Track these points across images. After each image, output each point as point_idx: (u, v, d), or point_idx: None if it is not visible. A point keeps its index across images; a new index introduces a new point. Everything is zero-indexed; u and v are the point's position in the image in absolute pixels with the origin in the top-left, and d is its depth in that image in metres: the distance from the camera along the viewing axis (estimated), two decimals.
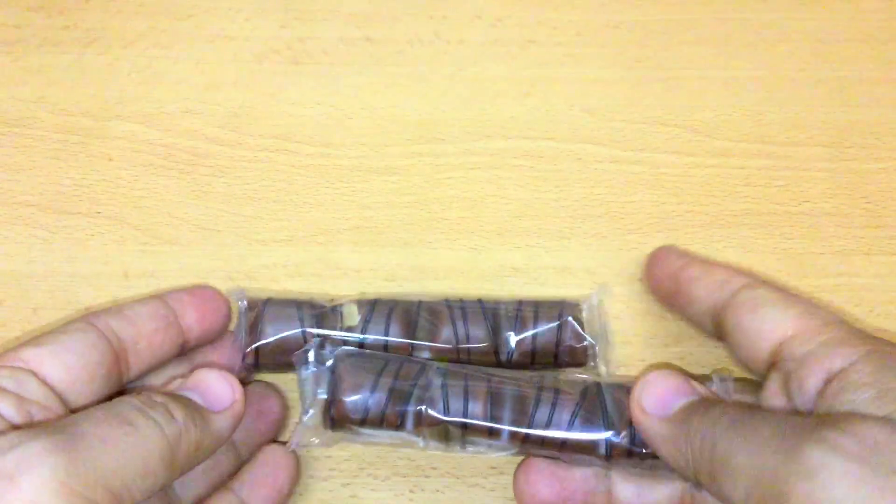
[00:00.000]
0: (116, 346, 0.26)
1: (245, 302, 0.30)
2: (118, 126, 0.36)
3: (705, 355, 0.32)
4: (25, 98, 0.37)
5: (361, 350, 0.29)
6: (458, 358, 0.30)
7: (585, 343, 0.30)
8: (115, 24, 0.39)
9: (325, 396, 0.28)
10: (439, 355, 0.30)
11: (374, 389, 0.27)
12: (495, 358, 0.30)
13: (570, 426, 0.27)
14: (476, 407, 0.27)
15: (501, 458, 0.30)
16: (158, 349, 0.28)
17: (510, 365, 0.30)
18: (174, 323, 0.28)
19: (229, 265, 0.33)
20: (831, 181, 0.36)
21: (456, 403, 0.27)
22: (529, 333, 0.30)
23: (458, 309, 0.30)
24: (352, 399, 0.27)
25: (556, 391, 0.28)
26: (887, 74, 0.38)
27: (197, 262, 0.33)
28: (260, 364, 0.30)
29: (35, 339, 0.25)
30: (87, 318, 0.26)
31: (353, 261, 0.34)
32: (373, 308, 0.30)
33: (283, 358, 0.29)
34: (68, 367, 0.24)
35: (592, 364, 0.31)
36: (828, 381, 0.24)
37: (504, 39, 0.39)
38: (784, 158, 0.36)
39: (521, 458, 0.29)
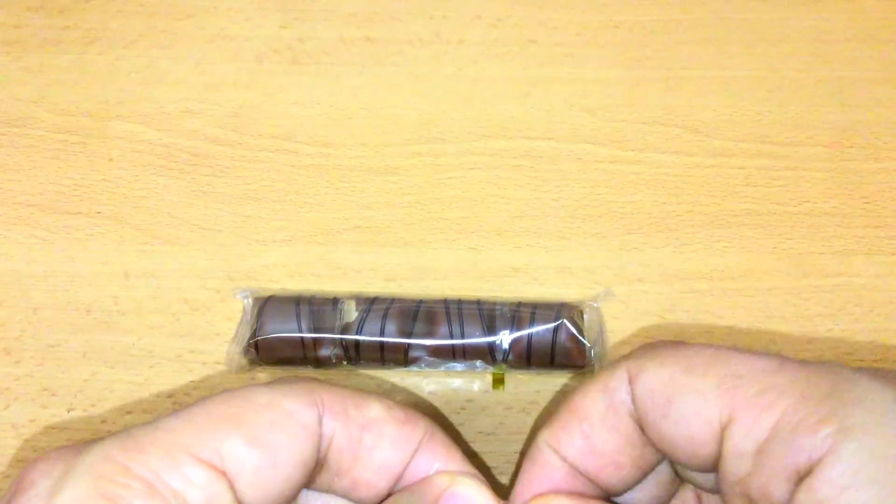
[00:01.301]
0: (322, 458, 0.21)
1: (250, 300, 0.31)
2: (118, 126, 0.36)
3: None
4: (25, 98, 0.37)
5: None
6: (454, 357, 0.30)
7: (582, 346, 0.30)
8: (115, 24, 0.39)
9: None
10: (435, 353, 0.30)
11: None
12: (490, 357, 0.30)
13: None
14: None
15: None
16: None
17: (507, 365, 0.30)
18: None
19: (229, 265, 0.33)
20: (831, 181, 0.36)
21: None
22: (524, 333, 0.30)
23: (456, 309, 0.31)
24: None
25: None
26: (887, 74, 0.38)
27: (197, 262, 0.33)
28: (259, 359, 0.30)
29: (242, 424, 0.19)
30: (318, 406, 0.21)
31: (353, 261, 0.34)
32: (370, 306, 0.30)
33: (282, 353, 0.30)
34: (265, 488, 0.19)
35: (589, 367, 0.31)
36: (797, 483, 0.17)
37: (504, 39, 0.39)
38: (784, 158, 0.36)
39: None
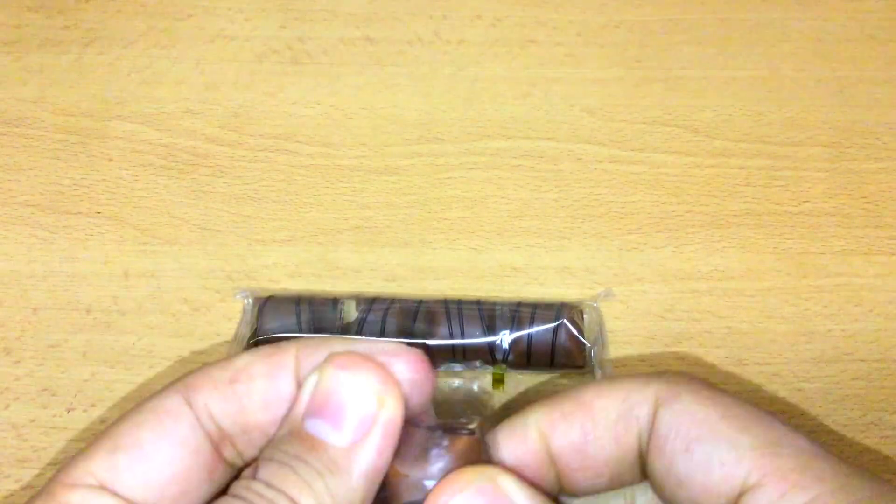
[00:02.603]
0: (217, 436, 0.20)
1: (250, 300, 0.31)
2: (118, 126, 0.36)
3: (705, 356, 0.32)
4: (25, 98, 0.37)
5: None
6: (454, 357, 0.30)
7: (582, 346, 0.30)
8: (115, 24, 0.39)
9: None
10: (435, 354, 0.30)
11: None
12: (490, 357, 0.30)
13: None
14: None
15: None
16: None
17: (506, 365, 0.30)
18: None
19: (229, 265, 0.33)
20: (831, 181, 0.36)
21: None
22: (524, 333, 0.30)
23: (456, 309, 0.31)
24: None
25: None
26: (887, 74, 0.38)
27: (197, 262, 0.33)
28: None
29: (108, 437, 0.20)
30: (183, 392, 0.20)
31: (353, 261, 0.34)
32: (370, 306, 0.30)
33: None
34: (152, 483, 0.19)
35: (589, 367, 0.31)
36: None
37: (504, 39, 0.39)
38: (784, 158, 0.36)
39: None
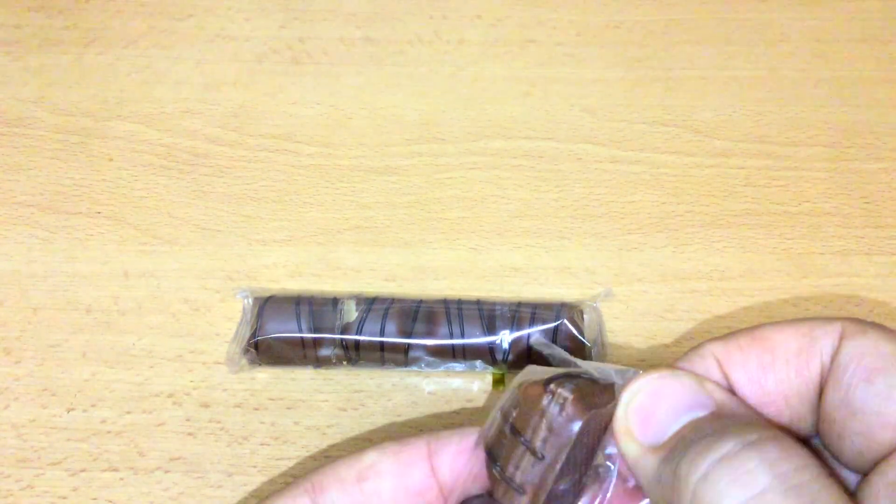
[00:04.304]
0: None
1: (250, 299, 0.31)
2: (118, 126, 0.36)
3: None
4: (25, 98, 0.37)
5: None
6: (454, 357, 0.30)
7: (582, 346, 0.30)
8: (115, 24, 0.39)
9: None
10: (435, 353, 0.30)
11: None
12: (490, 357, 0.30)
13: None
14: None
15: None
16: None
17: (507, 365, 0.30)
18: (435, 501, 0.21)
19: (229, 265, 0.33)
20: (831, 181, 0.36)
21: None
22: (524, 334, 0.30)
23: (456, 309, 0.31)
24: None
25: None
26: (887, 74, 0.38)
27: (197, 262, 0.33)
28: (259, 359, 0.30)
29: None
30: (310, 494, 0.20)
31: (353, 261, 0.34)
32: (370, 306, 0.30)
33: (282, 353, 0.30)
34: None
35: None
36: None
37: (504, 39, 0.39)
38: (784, 158, 0.36)
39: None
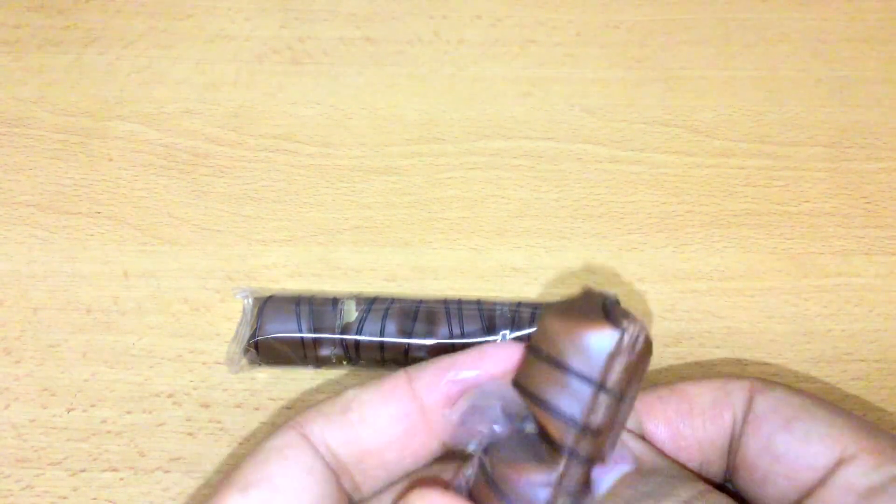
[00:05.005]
0: (336, 467, 0.21)
1: (250, 300, 0.31)
2: (118, 126, 0.36)
3: (706, 355, 0.32)
4: (25, 98, 0.37)
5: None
6: None
7: None
8: (115, 24, 0.39)
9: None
10: (435, 353, 0.30)
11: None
12: None
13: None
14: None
15: None
16: (396, 465, 0.21)
17: None
18: (420, 425, 0.21)
19: (229, 265, 0.33)
20: (831, 181, 0.36)
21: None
22: (524, 333, 0.30)
23: (456, 309, 0.31)
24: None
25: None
26: (887, 74, 0.38)
27: (197, 262, 0.33)
28: (259, 359, 0.30)
29: (234, 479, 0.20)
30: (298, 428, 0.21)
31: (353, 261, 0.34)
32: (370, 306, 0.30)
33: (282, 353, 0.30)
34: None
35: None
36: None
37: (504, 39, 0.39)
38: (784, 158, 0.36)
39: None
